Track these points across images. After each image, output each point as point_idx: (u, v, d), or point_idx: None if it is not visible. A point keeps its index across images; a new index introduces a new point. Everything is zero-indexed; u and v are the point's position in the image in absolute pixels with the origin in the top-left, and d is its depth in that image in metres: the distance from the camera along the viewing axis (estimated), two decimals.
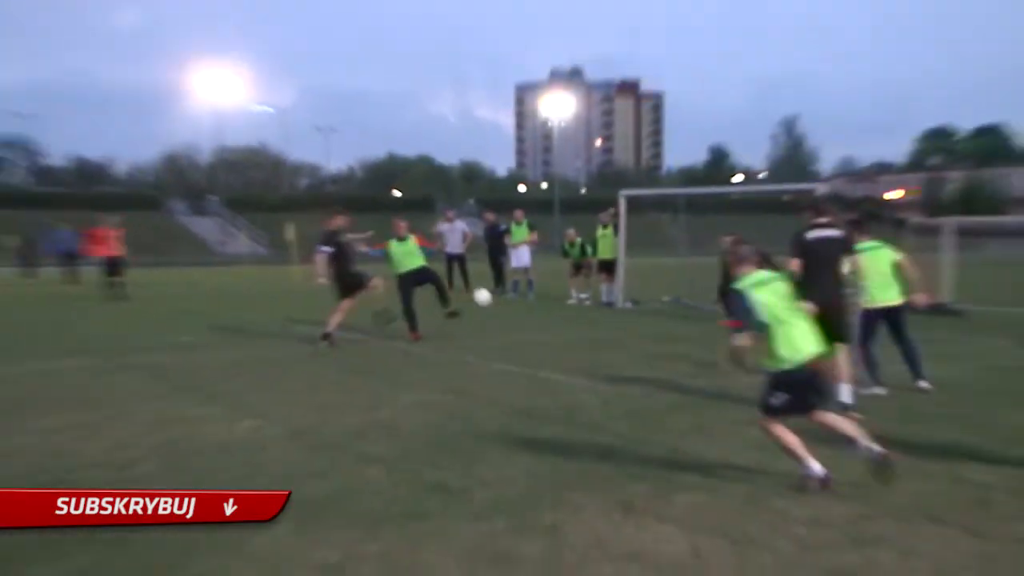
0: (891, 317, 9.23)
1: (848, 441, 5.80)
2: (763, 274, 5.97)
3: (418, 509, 5.39)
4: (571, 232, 21.28)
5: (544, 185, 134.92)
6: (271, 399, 8.73)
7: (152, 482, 5.85)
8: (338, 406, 8.34)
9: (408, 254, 13.43)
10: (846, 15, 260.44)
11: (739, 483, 5.93)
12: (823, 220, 8.16)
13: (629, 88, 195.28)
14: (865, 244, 9.17)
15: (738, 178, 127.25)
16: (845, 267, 8.18)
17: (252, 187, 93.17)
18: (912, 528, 5.15)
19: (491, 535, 4.98)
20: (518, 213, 22.77)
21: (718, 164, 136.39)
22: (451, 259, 24.25)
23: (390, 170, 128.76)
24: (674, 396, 8.74)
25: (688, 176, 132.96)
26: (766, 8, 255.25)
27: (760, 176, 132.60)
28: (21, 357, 11.67)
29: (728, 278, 8.81)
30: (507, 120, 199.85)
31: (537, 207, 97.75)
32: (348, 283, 12.56)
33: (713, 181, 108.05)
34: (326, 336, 12.30)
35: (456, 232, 24.37)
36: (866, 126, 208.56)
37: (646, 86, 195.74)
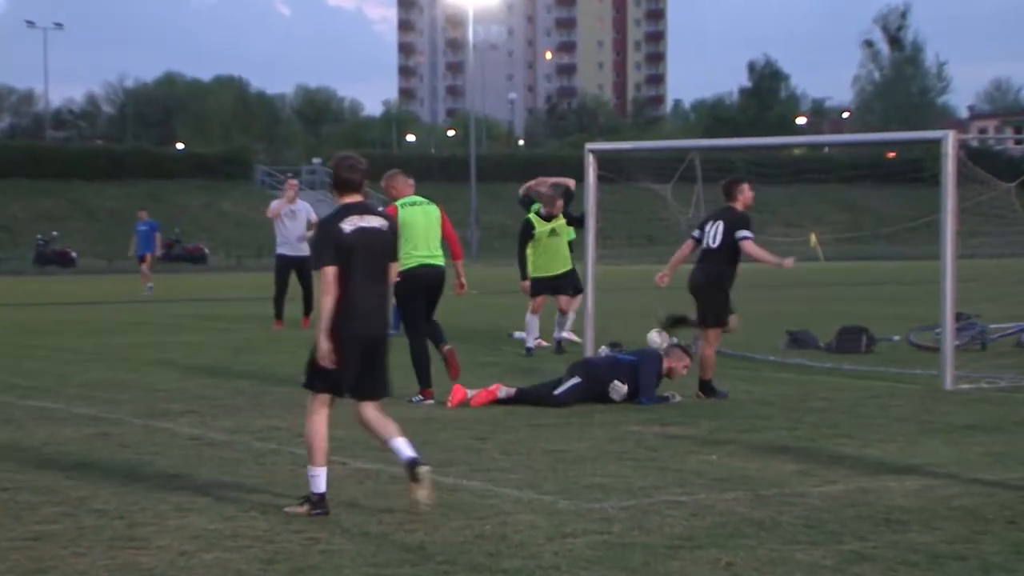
0: None
1: None
2: None
3: None
4: (546, 185, 21.12)
5: (451, 132, 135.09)
6: None
7: None
8: None
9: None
10: None
11: None
12: (357, 200, 9.47)
13: None
14: None
15: (803, 120, 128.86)
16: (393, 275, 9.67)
17: None
18: None
19: None
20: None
21: (765, 95, 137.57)
22: (286, 264, 24.26)
23: (167, 102, 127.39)
24: (689, 520, 9.07)
25: (712, 116, 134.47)
26: None
27: (843, 116, 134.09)
28: None
29: None
30: (384, 15, 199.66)
31: (440, 171, 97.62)
32: None
33: (757, 126, 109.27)
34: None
35: (298, 218, 24.39)
36: None
37: None
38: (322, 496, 9.14)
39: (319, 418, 9.29)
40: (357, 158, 9.66)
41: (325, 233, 9.38)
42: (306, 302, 24.42)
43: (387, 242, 9.56)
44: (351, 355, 9.22)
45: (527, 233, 20.65)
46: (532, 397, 14.70)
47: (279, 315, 24.45)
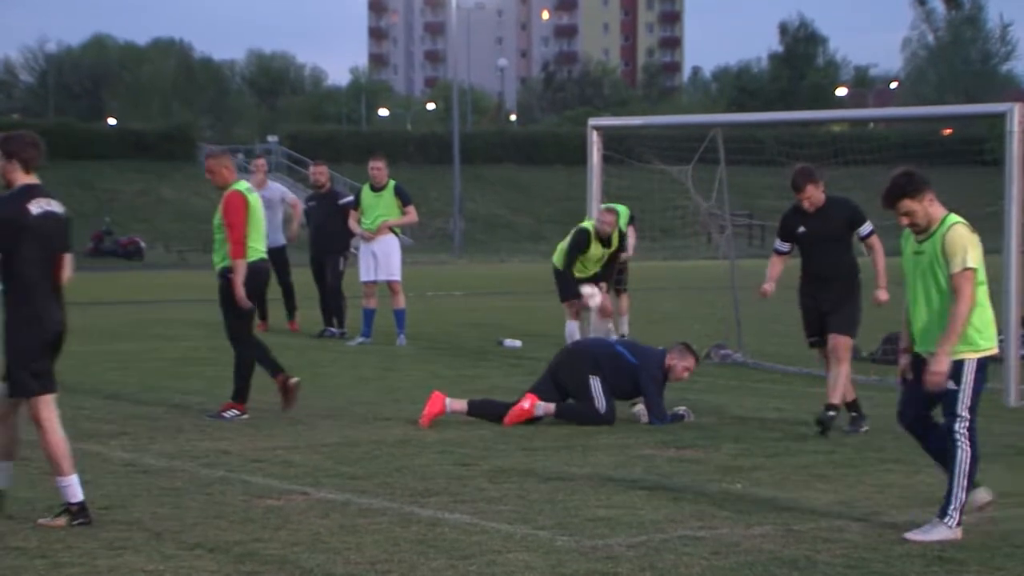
0: None
1: None
2: None
3: None
4: (608, 220, 19.99)
5: (431, 105, 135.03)
6: None
7: None
8: None
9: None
10: None
11: None
12: (37, 182, 9.95)
13: None
14: None
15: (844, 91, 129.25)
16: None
17: None
18: None
19: None
20: (377, 165, 22.77)
21: (799, 62, 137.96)
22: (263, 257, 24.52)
23: (96, 71, 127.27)
24: (709, 559, 9.05)
25: (737, 86, 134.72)
26: None
27: (891, 86, 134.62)
28: None
29: None
30: None
31: (418, 151, 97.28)
32: None
33: (789, 98, 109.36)
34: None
35: (272, 205, 24.47)
36: None
37: None
38: (82, 504, 9.72)
39: (52, 424, 9.75)
40: (36, 135, 10.03)
41: (8, 214, 9.64)
42: (288, 302, 24.74)
43: (65, 231, 9.96)
44: (46, 350, 9.71)
45: (582, 246, 19.82)
46: (575, 416, 14.59)
47: (263, 316, 24.59)
